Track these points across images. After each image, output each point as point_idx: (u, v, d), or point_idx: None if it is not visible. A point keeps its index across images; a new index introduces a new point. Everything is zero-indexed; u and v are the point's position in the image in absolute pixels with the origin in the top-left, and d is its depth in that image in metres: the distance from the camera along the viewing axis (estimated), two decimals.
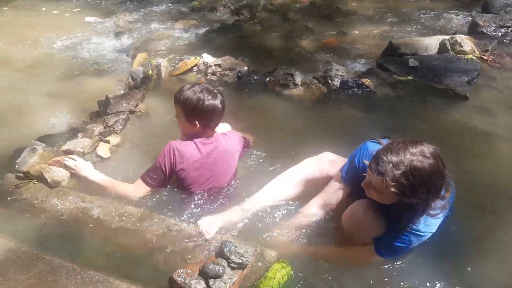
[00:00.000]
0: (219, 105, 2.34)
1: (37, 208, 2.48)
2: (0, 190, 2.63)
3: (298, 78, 3.66)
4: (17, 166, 2.66)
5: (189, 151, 2.39)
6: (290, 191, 2.43)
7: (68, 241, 2.28)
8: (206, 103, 2.30)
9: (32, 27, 5.90)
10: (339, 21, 5.51)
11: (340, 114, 3.42)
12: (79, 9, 6.58)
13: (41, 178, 2.61)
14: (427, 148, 1.70)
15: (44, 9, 6.59)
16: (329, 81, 3.68)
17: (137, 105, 3.38)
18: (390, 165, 1.68)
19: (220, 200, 2.50)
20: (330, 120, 3.34)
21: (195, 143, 2.40)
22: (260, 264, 2.06)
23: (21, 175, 2.66)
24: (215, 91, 2.36)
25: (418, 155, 1.67)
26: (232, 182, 2.60)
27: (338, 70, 3.80)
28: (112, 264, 2.14)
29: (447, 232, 2.13)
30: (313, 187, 2.41)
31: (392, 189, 1.69)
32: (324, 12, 5.78)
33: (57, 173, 2.61)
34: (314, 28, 5.22)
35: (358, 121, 3.32)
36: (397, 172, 1.66)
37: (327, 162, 2.43)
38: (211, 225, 2.24)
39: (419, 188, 1.68)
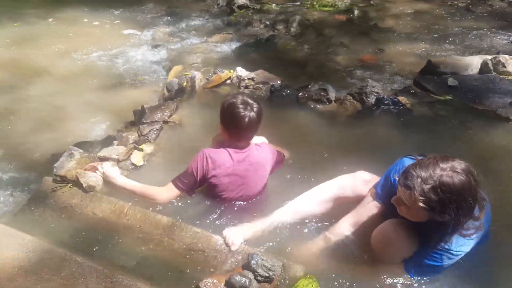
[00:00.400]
0: (251, 118, 2.35)
1: (72, 211, 2.59)
2: (37, 192, 2.78)
3: (332, 94, 3.66)
4: (54, 170, 2.80)
5: (221, 158, 2.45)
6: (321, 207, 2.41)
7: (100, 245, 2.36)
8: (237, 111, 2.34)
9: (74, 37, 6.24)
10: (376, 38, 5.49)
11: (374, 131, 3.38)
12: (118, 21, 6.92)
13: (76, 183, 2.73)
14: (459, 164, 1.70)
15: (86, 20, 6.96)
16: (364, 97, 3.65)
17: (171, 115, 3.48)
18: (419, 179, 1.68)
19: (249, 211, 2.52)
20: (364, 137, 3.30)
21: (227, 151, 2.46)
22: (286, 278, 2.06)
23: (58, 178, 2.79)
24: (252, 103, 2.39)
25: (448, 170, 1.67)
26: (262, 194, 2.62)
27: (374, 87, 3.77)
28: (141, 269, 2.20)
29: (481, 257, 2.07)
30: (344, 205, 2.38)
31: (421, 204, 1.69)
32: (361, 28, 5.78)
33: (92, 178, 2.73)
34: (350, 45, 5.23)
35: (393, 140, 3.27)
36: (426, 187, 1.67)
37: (361, 181, 2.38)
38: (236, 236, 2.25)
39: (448, 204, 1.67)
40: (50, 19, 6.87)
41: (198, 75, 4.01)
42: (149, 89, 4.82)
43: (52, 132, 3.82)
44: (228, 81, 4.02)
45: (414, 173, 1.71)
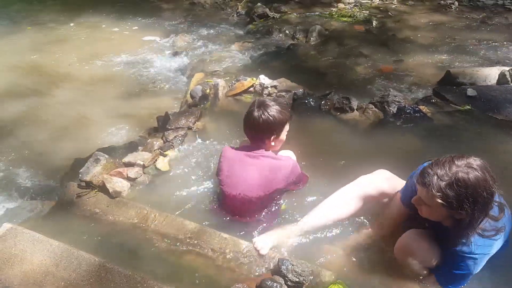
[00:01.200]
0: (256, 117, 2.37)
1: (98, 217, 2.58)
2: (62, 198, 2.77)
3: (354, 103, 3.62)
4: (80, 176, 2.78)
5: (228, 151, 2.54)
6: (345, 209, 2.39)
7: (127, 250, 2.33)
8: (249, 109, 2.45)
9: (95, 43, 6.32)
10: (395, 49, 5.44)
11: (396, 139, 3.36)
12: (136, 28, 6.98)
13: (102, 188, 2.71)
14: (474, 161, 1.74)
15: (104, 26, 7.06)
16: (386, 106, 3.64)
17: (195, 122, 3.47)
18: (435, 177, 1.74)
19: (273, 218, 2.50)
20: (386, 145, 3.27)
21: (237, 148, 2.58)
22: (316, 284, 2.04)
23: (83, 184, 2.78)
24: (268, 105, 2.39)
25: (464, 166, 1.71)
26: (268, 202, 2.53)
27: (395, 96, 3.77)
28: (170, 275, 2.17)
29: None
30: (368, 204, 2.40)
31: (438, 200, 1.73)
32: (380, 39, 5.74)
33: (118, 184, 2.71)
34: (369, 55, 5.19)
35: (414, 148, 3.24)
36: (442, 183, 1.72)
37: (382, 179, 2.41)
38: (265, 241, 2.25)
39: (464, 198, 1.70)
40: (72, 24, 6.96)
41: (221, 83, 3.99)
42: (169, 96, 4.83)
43: (75, 137, 3.84)
44: (251, 89, 3.99)
45: (430, 171, 1.76)
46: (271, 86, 3.97)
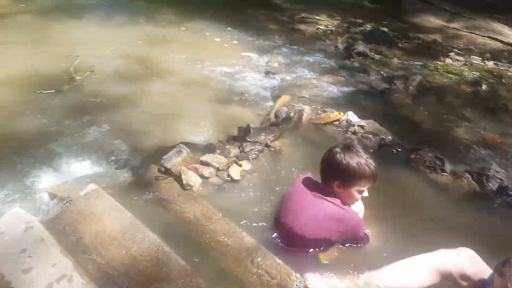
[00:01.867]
0: (326, 156, 2.43)
1: (168, 202, 2.83)
2: (142, 176, 3.10)
3: (448, 166, 3.46)
4: (162, 161, 3.10)
5: (301, 180, 2.58)
6: (418, 279, 2.25)
7: (184, 241, 2.53)
8: (333, 146, 2.45)
9: (196, 48, 6.92)
10: (503, 120, 5.15)
11: (490, 221, 3.08)
12: (236, 42, 7.50)
13: (178, 178, 2.99)
14: None
15: (207, 34, 7.70)
16: (485, 181, 3.38)
17: (273, 140, 3.65)
18: None
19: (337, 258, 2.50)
20: (477, 223, 3.03)
21: (312, 181, 2.59)
22: None
23: (163, 169, 3.09)
24: (355, 150, 2.37)
25: None
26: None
27: (497, 172, 3.47)
28: (216, 280, 2.30)
29: None
30: (444, 283, 2.25)
31: None
32: (487, 105, 5.48)
33: (192, 178, 2.97)
34: (473, 119, 4.96)
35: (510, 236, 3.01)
36: None
37: (466, 259, 2.24)
38: (319, 284, 2.20)
39: None
40: (183, 28, 7.74)
41: (307, 109, 4.17)
42: (253, 111, 5.12)
43: (164, 126, 4.29)
44: (336, 123, 4.10)
45: None
46: (358, 125, 4.04)
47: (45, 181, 3.30)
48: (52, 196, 2.91)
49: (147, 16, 8.13)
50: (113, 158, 3.68)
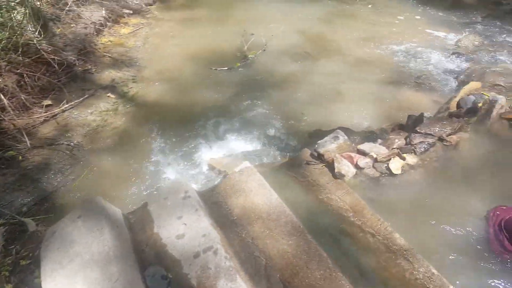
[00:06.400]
0: None
1: (316, 189, 2.83)
2: (294, 158, 3.16)
3: None
4: (316, 146, 3.10)
5: None
6: None
7: (330, 231, 2.50)
8: None
9: (376, 26, 6.64)
10: None
11: None
12: (422, 18, 6.87)
13: (330, 165, 2.94)
14: None
15: (389, 9, 7.28)
16: None
17: (450, 134, 3.24)
18: None
19: None
20: None
21: None
22: None
23: (316, 154, 3.08)
24: None
25: None
26: None
27: None
28: (359, 279, 2.20)
29: None
30: None
31: None
32: None
33: (345, 167, 2.88)
34: None
35: None
36: None
37: None
38: None
39: None
40: (369, 6, 7.52)
41: (501, 100, 3.54)
42: (430, 97, 4.66)
43: (326, 107, 4.30)
44: None
45: None
46: None
47: (208, 152, 3.71)
48: (212, 168, 3.25)
49: None
50: (270, 137, 3.89)
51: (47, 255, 2.23)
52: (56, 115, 4.22)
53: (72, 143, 3.89)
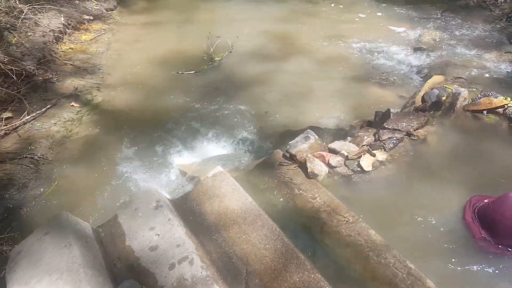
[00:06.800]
0: None
1: (290, 190, 2.80)
2: (267, 160, 3.13)
3: None
4: (288, 147, 3.07)
5: None
6: None
7: (306, 232, 2.47)
8: None
9: (339, 24, 6.72)
10: None
11: None
12: (382, 14, 7.01)
13: (302, 165, 2.92)
14: None
15: (352, 7, 7.40)
16: None
17: (417, 128, 3.29)
18: None
19: None
20: None
21: None
22: None
23: (288, 155, 3.06)
24: None
25: None
26: None
27: None
28: (339, 278, 2.19)
29: None
30: None
31: None
32: None
33: (318, 167, 2.87)
34: None
35: None
36: None
37: None
38: None
39: None
40: (332, 5, 7.60)
41: (463, 93, 3.62)
42: (395, 92, 4.74)
43: (295, 106, 4.30)
44: (500, 110, 3.49)
45: None
46: None
47: (178, 158, 3.63)
48: (183, 173, 3.17)
49: None
50: (241, 139, 3.85)
51: (13, 277, 2.11)
52: (17, 127, 4.01)
53: (36, 156, 3.71)
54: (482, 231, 2.39)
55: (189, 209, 2.56)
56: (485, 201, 2.50)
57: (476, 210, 2.49)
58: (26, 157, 3.68)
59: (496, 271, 2.23)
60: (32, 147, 3.81)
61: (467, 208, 2.53)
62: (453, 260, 2.29)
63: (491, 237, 2.35)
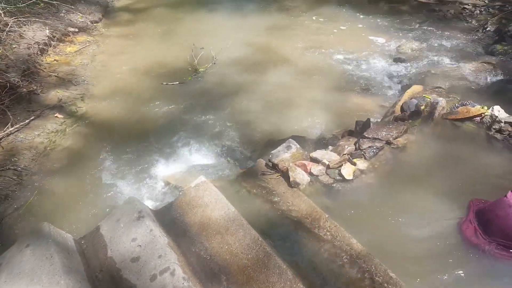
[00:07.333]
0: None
1: (272, 198, 2.80)
2: (250, 169, 3.13)
3: None
4: (270, 156, 3.09)
5: None
6: None
7: (288, 241, 2.47)
8: None
9: (320, 35, 6.79)
10: None
11: None
12: (363, 26, 7.13)
13: (285, 174, 2.94)
14: None
15: (333, 19, 7.51)
16: None
17: (397, 137, 3.33)
18: None
19: None
20: None
21: None
22: None
23: (270, 164, 3.07)
24: None
25: None
26: None
27: None
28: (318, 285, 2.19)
29: None
30: None
31: None
32: None
33: (300, 176, 2.88)
34: None
35: None
36: None
37: None
38: None
39: None
40: (308, 15, 7.70)
41: (441, 102, 3.69)
42: (376, 102, 4.80)
43: (277, 115, 4.33)
44: (477, 119, 3.56)
45: None
46: (506, 122, 3.44)
47: (162, 168, 3.61)
48: (167, 183, 3.16)
49: (274, 4, 8.28)
50: (225, 149, 3.86)
51: None
52: (0, 139, 3.96)
53: (19, 168, 3.65)
54: (479, 230, 2.46)
55: (171, 219, 2.55)
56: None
57: (475, 211, 2.58)
58: (9, 168, 3.62)
59: (479, 276, 2.26)
60: (15, 158, 3.75)
61: (470, 209, 2.60)
62: (435, 265, 2.32)
63: (485, 235, 2.42)
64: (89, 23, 6.96)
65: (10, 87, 4.49)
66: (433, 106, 3.69)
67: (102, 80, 5.26)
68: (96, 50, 6.12)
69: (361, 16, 7.51)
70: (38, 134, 4.11)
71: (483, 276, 2.26)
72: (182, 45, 6.24)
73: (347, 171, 2.99)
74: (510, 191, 2.40)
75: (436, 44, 6.13)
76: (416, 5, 7.99)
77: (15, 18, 5.84)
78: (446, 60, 5.50)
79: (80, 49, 6.07)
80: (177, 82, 5.21)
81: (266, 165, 3.09)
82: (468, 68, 5.13)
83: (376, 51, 6.05)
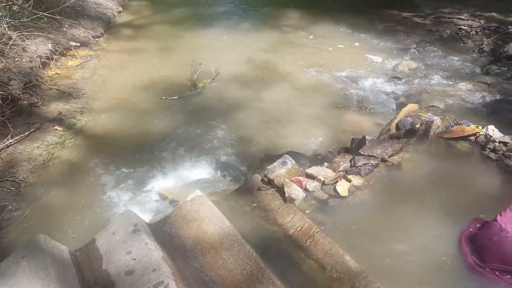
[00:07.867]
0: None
1: (267, 214, 2.81)
2: (246, 184, 3.15)
3: None
4: (266, 171, 3.11)
5: None
6: None
7: (282, 257, 2.48)
8: None
9: (318, 54, 6.90)
10: None
11: None
12: (360, 45, 7.24)
13: (280, 190, 2.95)
14: None
15: (329, 37, 7.64)
16: None
17: (392, 155, 3.36)
18: None
19: None
20: None
21: None
22: None
23: (266, 180, 3.09)
24: None
25: None
26: None
27: None
28: None
29: None
30: None
31: None
32: None
33: (295, 192, 2.90)
34: None
35: None
36: None
37: None
38: None
39: None
40: (305, 33, 7.82)
41: (436, 121, 3.73)
42: (372, 120, 4.85)
43: (274, 133, 4.37)
44: (472, 138, 3.60)
45: None
46: (500, 142, 3.47)
47: (159, 182, 3.63)
48: (163, 197, 3.17)
49: (272, 22, 8.41)
50: (222, 163, 3.89)
51: None
52: (0, 150, 3.99)
53: (17, 179, 3.67)
54: (472, 256, 2.44)
55: (167, 233, 2.55)
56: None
57: (467, 237, 2.56)
58: (7, 180, 3.64)
59: None
60: (14, 170, 3.77)
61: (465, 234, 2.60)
62: (430, 284, 2.32)
63: (480, 261, 2.40)
64: (91, 37, 7.05)
65: (11, 100, 4.53)
66: (428, 124, 3.72)
67: (102, 94, 5.32)
68: (97, 64, 6.19)
69: (358, 35, 7.62)
70: (37, 146, 4.13)
71: None
72: (181, 61, 6.32)
73: (343, 187, 3.00)
74: (499, 214, 2.39)
75: (432, 64, 6.23)
76: (412, 25, 8.13)
77: (18, 32, 5.93)
78: (442, 80, 5.58)
79: (81, 63, 6.14)
80: (176, 97, 5.27)
81: (262, 180, 3.10)
82: (463, 87, 5.19)
83: (373, 70, 6.14)
